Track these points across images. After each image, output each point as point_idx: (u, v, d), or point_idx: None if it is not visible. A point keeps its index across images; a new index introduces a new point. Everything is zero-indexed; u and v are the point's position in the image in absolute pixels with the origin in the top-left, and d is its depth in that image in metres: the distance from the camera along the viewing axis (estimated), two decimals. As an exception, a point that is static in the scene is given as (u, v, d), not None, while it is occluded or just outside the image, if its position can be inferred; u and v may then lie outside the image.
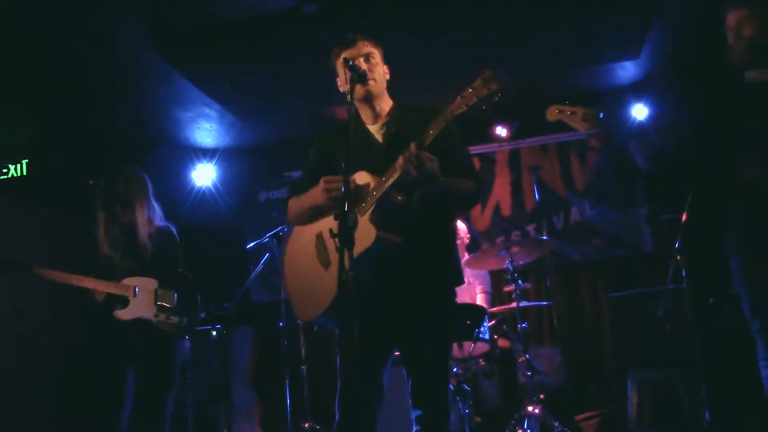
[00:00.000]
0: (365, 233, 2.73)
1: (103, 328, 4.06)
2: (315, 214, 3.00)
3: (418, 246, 2.85)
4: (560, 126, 7.47)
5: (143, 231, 4.12)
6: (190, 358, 4.47)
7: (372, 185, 2.81)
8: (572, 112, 3.12)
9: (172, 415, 4.06)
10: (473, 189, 2.97)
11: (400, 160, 2.66)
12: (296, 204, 3.12)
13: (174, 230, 4.30)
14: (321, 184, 2.88)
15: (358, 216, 2.77)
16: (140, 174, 4.26)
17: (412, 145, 2.64)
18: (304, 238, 3.07)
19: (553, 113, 3.18)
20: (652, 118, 6.43)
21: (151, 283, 4.06)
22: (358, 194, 2.81)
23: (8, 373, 5.45)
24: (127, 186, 4.16)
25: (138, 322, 3.98)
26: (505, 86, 2.58)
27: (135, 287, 4.01)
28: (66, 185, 5.69)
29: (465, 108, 2.64)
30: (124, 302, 4.00)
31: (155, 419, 3.98)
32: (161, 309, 4.02)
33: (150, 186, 4.26)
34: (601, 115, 3.06)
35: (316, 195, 2.91)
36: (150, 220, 4.18)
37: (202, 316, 4.35)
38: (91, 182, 4.21)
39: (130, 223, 4.12)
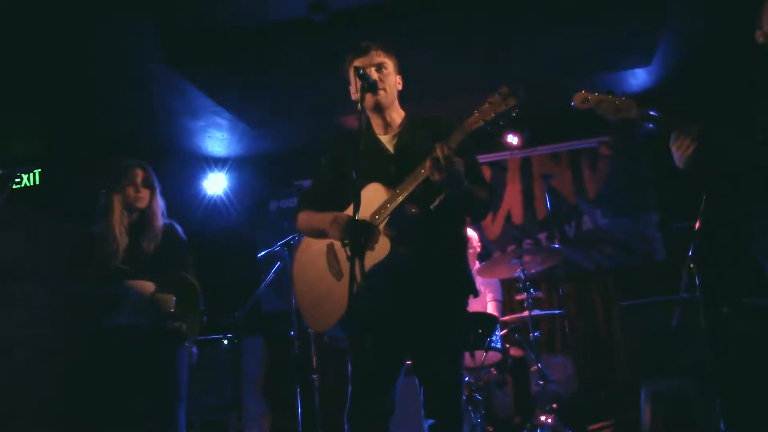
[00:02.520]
0: (379, 245, 2.73)
1: (97, 338, 3.81)
2: (323, 236, 2.99)
3: (431, 257, 2.85)
4: (571, 134, 7.52)
5: (158, 222, 3.94)
6: (195, 365, 4.11)
7: (385, 197, 2.81)
8: (602, 101, 2.95)
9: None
10: (487, 197, 2.97)
11: (428, 163, 2.65)
12: (306, 220, 3.12)
13: (178, 228, 4.06)
14: (331, 218, 2.87)
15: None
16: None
17: (440, 147, 2.62)
18: (314, 247, 3.07)
19: (580, 100, 2.98)
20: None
21: (147, 287, 3.79)
22: (370, 206, 2.81)
23: (14, 385, 5.44)
24: (147, 171, 3.98)
25: (133, 329, 3.73)
26: (523, 102, 2.58)
27: (130, 291, 3.75)
28: (79, 195, 5.70)
29: (482, 123, 2.66)
30: (117, 307, 3.74)
31: None
32: (158, 314, 3.76)
33: None
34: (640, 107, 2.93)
35: (326, 224, 2.90)
36: (162, 213, 4.00)
37: (204, 319, 4.04)
38: (102, 191, 3.93)
39: (143, 212, 3.92)
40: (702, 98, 5.92)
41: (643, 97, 6.55)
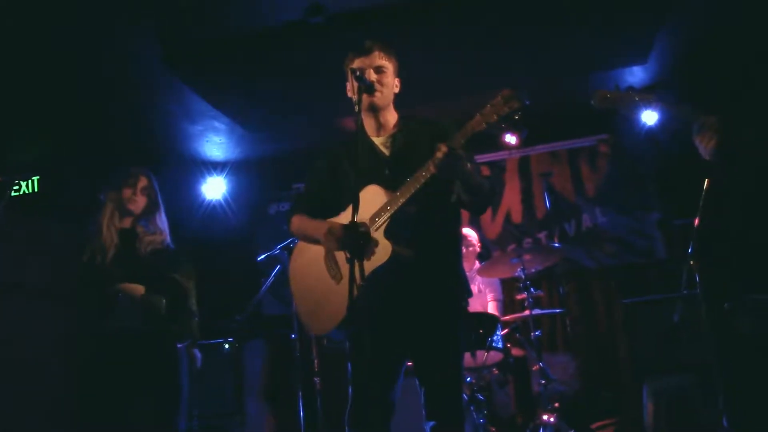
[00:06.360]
0: (380, 248, 2.74)
1: (95, 342, 3.83)
2: (317, 243, 2.99)
3: (430, 257, 2.85)
4: (569, 132, 7.48)
5: (160, 236, 3.98)
6: (199, 368, 4.19)
7: (385, 200, 2.81)
8: (622, 98, 3.01)
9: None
10: (489, 188, 2.97)
11: (430, 165, 2.66)
12: (300, 226, 3.12)
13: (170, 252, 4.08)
14: (325, 229, 2.86)
15: (372, 230, 2.77)
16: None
17: (444, 147, 2.63)
18: (312, 250, 3.06)
19: (600, 98, 3.03)
20: (662, 124, 6.38)
21: (137, 289, 3.81)
22: (369, 207, 2.80)
23: (24, 392, 5.43)
24: (150, 181, 4.02)
25: (127, 333, 3.75)
26: (525, 105, 2.59)
27: (119, 293, 3.77)
28: (77, 201, 5.70)
29: (484, 125, 2.66)
30: (109, 310, 3.76)
31: None
32: (149, 316, 3.78)
33: None
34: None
35: (319, 235, 2.90)
36: (165, 233, 4.04)
37: (196, 319, 4.06)
38: (101, 196, 4.00)
39: (137, 219, 3.97)
40: (699, 94, 5.91)
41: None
